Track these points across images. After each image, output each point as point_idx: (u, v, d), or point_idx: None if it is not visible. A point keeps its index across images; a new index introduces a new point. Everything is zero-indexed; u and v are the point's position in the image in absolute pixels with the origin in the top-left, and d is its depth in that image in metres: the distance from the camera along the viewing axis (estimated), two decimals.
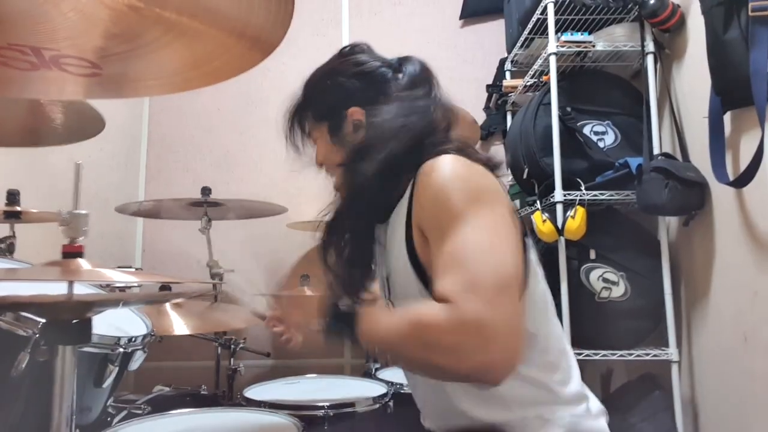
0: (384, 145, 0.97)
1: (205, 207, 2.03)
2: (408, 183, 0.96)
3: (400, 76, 1.05)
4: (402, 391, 1.64)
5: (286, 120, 1.14)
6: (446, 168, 0.90)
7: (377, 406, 1.49)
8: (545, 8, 2.10)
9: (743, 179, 1.56)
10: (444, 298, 0.78)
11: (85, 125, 1.32)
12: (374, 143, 0.98)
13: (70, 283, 0.81)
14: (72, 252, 0.82)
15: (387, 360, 0.97)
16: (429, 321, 0.78)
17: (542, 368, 0.95)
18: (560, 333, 1.01)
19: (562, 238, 1.94)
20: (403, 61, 1.08)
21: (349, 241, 1.02)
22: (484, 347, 0.74)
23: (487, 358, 0.75)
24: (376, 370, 1.99)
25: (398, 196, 0.99)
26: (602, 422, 1.00)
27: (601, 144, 2.09)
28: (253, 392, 1.56)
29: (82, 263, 0.82)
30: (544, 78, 2.24)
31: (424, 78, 1.06)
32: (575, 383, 0.99)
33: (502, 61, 2.70)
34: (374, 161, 0.96)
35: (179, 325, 1.68)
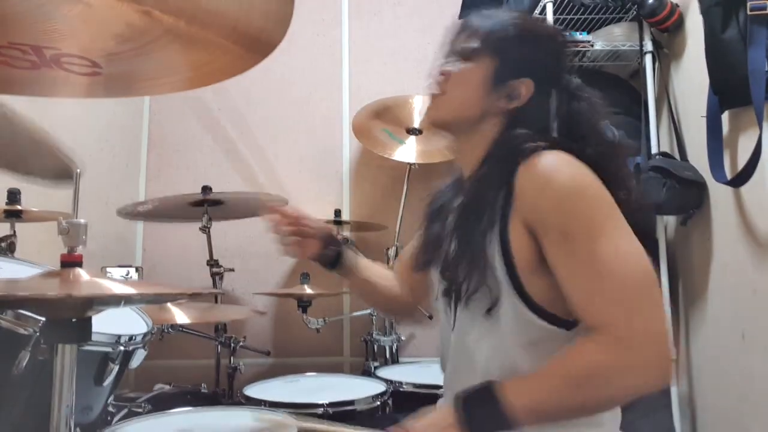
0: (528, 130, 0.93)
1: (206, 206, 2.03)
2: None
3: (574, 81, 1.00)
4: (401, 390, 1.65)
5: (465, 27, 1.01)
6: (562, 169, 0.86)
7: (377, 404, 1.50)
8: (544, 8, 2.10)
9: (741, 178, 1.56)
10: (594, 322, 0.80)
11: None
12: (522, 123, 0.94)
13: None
14: (71, 261, 0.82)
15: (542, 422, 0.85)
16: (589, 363, 0.80)
17: None
18: None
19: None
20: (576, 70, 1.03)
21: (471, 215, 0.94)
22: (649, 364, 0.78)
23: (655, 372, 0.79)
24: (376, 368, 2.00)
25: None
26: None
27: None
28: (253, 390, 1.57)
29: (81, 273, 0.82)
30: None
31: (590, 99, 0.99)
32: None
33: None
34: (513, 141, 0.92)
35: (181, 318, 1.69)
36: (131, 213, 2.14)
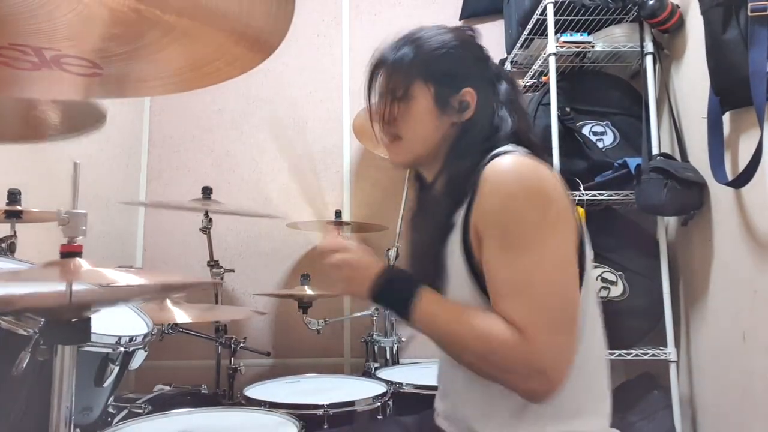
0: (484, 135, 0.96)
1: (206, 207, 2.03)
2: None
3: (504, 75, 1.04)
4: (401, 391, 1.64)
5: (382, 66, 1.05)
6: (516, 174, 0.88)
7: (377, 405, 1.50)
8: (545, 9, 2.10)
9: (742, 179, 1.56)
10: (510, 320, 0.82)
11: (85, 120, 1.31)
12: (478, 130, 0.97)
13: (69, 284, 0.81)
14: (70, 252, 0.82)
15: (430, 338, 0.92)
16: (495, 337, 0.83)
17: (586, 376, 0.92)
18: (602, 338, 0.97)
19: None
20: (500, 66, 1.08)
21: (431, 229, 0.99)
22: (538, 377, 0.81)
23: (538, 386, 0.82)
24: (376, 369, 2.00)
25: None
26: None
27: (600, 144, 2.10)
28: (254, 391, 1.56)
29: (82, 263, 0.82)
30: (543, 78, 2.24)
31: (517, 89, 1.05)
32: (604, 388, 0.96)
33: (502, 62, 2.70)
34: (472, 148, 0.95)
35: (181, 317, 1.69)
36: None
